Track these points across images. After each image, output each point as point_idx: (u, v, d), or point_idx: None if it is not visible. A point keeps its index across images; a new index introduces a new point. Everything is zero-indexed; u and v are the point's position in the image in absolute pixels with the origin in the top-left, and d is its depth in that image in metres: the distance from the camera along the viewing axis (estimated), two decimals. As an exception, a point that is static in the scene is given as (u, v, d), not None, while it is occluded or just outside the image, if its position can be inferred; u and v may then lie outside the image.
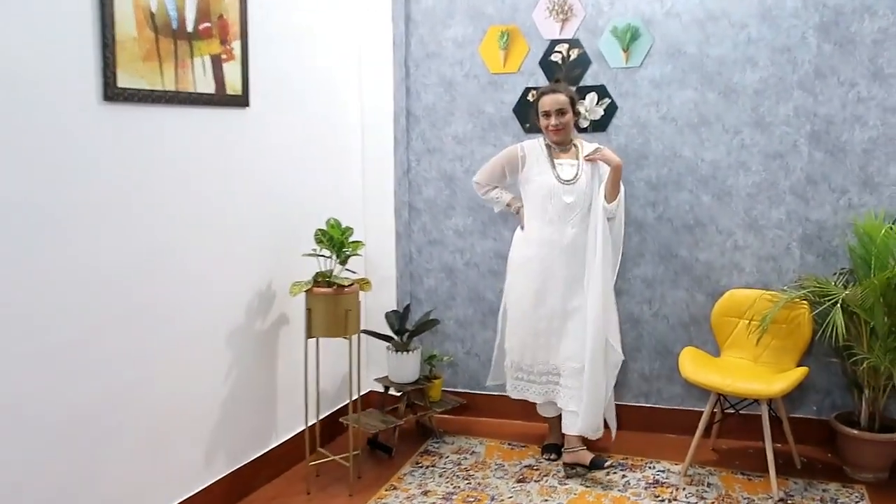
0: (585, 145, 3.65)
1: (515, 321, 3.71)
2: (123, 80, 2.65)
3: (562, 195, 3.55)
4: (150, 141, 2.80)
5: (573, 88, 3.70)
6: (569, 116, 3.56)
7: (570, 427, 3.61)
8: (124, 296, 2.72)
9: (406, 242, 4.34)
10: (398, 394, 4.03)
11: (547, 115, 3.55)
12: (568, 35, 3.99)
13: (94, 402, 2.62)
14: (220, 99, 3.12)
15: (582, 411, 3.56)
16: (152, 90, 2.77)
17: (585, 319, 3.58)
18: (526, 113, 4.05)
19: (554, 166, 3.59)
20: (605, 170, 3.58)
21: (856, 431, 3.47)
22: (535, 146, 3.67)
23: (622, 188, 3.62)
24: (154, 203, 2.84)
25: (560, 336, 3.64)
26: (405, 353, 3.91)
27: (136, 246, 2.76)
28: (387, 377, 4.04)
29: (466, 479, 3.53)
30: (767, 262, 3.85)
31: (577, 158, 3.62)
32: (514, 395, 3.81)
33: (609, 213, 3.57)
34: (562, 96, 3.54)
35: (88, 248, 2.57)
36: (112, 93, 2.61)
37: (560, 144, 3.61)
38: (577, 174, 3.58)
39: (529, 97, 4.04)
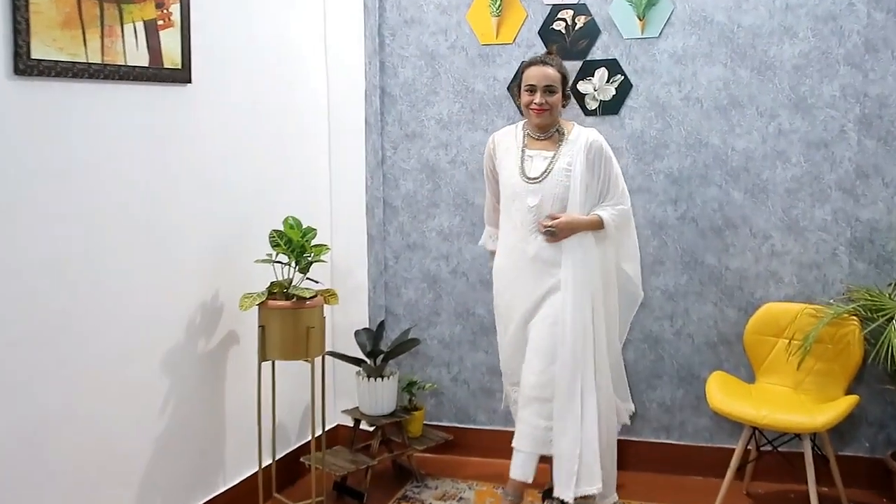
0: (575, 132, 3.46)
1: (499, 336, 3.71)
2: (38, 51, 2.62)
3: (525, 196, 3.40)
4: (69, 122, 2.77)
5: (566, 66, 3.52)
6: (558, 97, 3.38)
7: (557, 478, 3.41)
8: (36, 306, 2.68)
9: (380, 247, 4.32)
10: (371, 428, 4.01)
11: (532, 90, 3.37)
12: None
13: (10, 434, 2.58)
14: (156, 73, 3.10)
15: (560, 456, 3.38)
16: (73, 62, 2.75)
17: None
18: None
19: (522, 159, 3.46)
20: (604, 171, 3.43)
21: (915, 472, 3.48)
22: (507, 134, 3.57)
23: (616, 219, 3.45)
24: (74, 195, 2.80)
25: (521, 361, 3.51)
26: (379, 379, 3.89)
27: (51, 246, 2.72)
28: (357, 408, 4.02)
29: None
30: (810, 270, 3.86)
31: (557, 149, 3.42)
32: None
33: (603, 236, 3.47)
34: (552, 70, 3.37)
35: (-5, 251, 2.55)
36: (24, 66, 2.58)
37: (541, 130, 3.44)
38: (547, 169, 3.39)
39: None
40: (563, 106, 3.46)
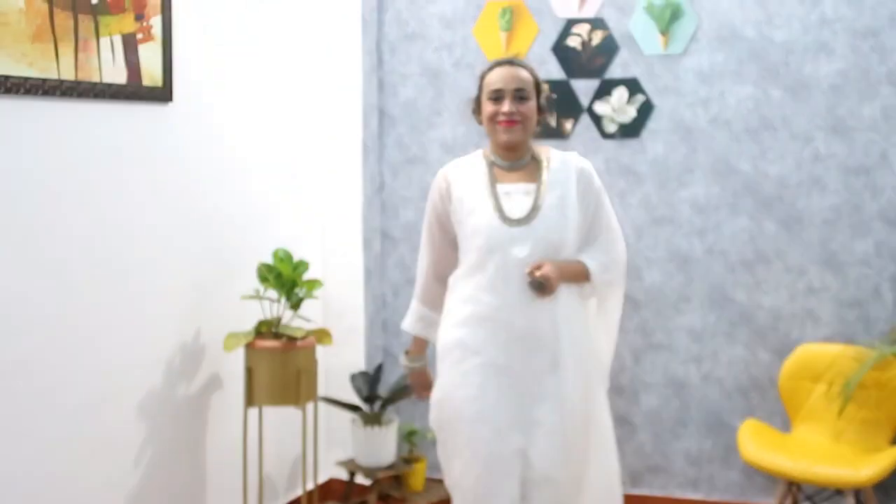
0: (557, 157, 2.84)
1: (456, 446, 2.75)
2: (6, 66, 2.59)
3: (508, 246, 2.67)
4: (40, 144, 2.73)
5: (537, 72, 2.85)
6: (531, 106, 2.74)
7: None
8: (1, 346, 2.63)
9: (378, 282, 4.27)
10: (368, 482, 3.94)
11: (497, 96, 2.71)
12: (589, 13, 3.98)
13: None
14: (134, 91, 3.07)
15: None
16: (44, 79, 2.72)
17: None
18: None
19: (495, 195, 2.75)
20: (594, 206, 2.83)
21: (971, 532, 3.40)
22: (465, 167, 2.85)
23: (619, 257, 2.87)
24: (44, 223, 2.76)
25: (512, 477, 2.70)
26: (377, 427, 3.83)
27: (18, 279, 2.68)
28: (352, 460, 3.96)
29: None
30: (851, 308, 3.80)
31: (539, 180, 2.76)
32: None
33: (588, 291, 2.85)
34: (524, 72, 2.75)
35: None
36: (-12, 81, 2.56)
37: (512, 153, 2.78)
38: (534, 206, 2.72)
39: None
40: (538, 124, 2.81)
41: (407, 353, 3.01)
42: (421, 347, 2.99)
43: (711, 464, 3.98)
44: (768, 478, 3.81)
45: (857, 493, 3.39)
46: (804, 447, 3.52)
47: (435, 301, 2.89)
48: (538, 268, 2.62)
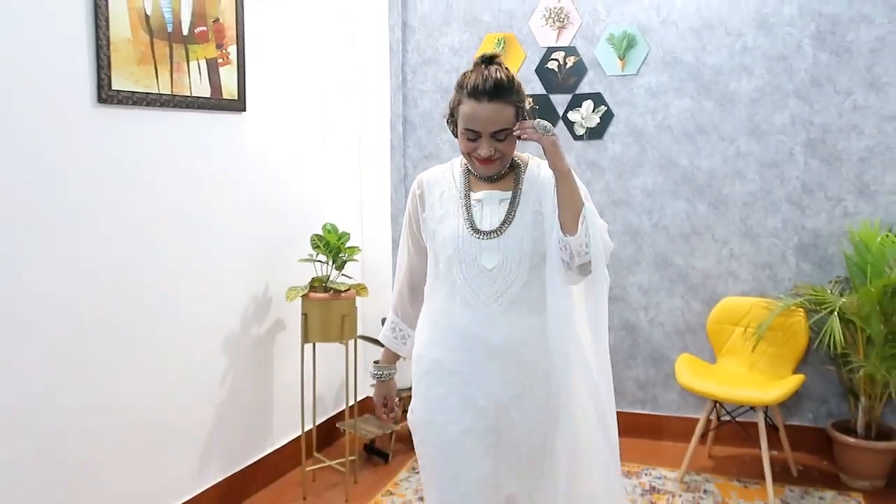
0: (534, 163, 2.01)
1: (434, 488, 2.03)
2: (118, 83, 2.56)
3: (475, 257, 1.92)
4: (144, 144, 2.71)
5: (518, 81, 1.89)
6: (510, 142, 1.89)
7: None
8: (117, 300, 2.62)
9: (403, 248, 4.24)
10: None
11: (472, 137, 1.87)
12: (564, 43, 3.91)
13: (84, 408, 2.52)
14: (217, 103, 3.03)
15: None
16: (147, 93, 2.68)
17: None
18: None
19: (468, 205, 1.97)
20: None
21: (853, 440, 3.37)
22: (441, 173, 2.06)
23: (594, 219, 1.87)
24: (148, 206, 2.74)
25: None
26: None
27: (128, 249, 2.66)
28: (383, 383, 3.93)
29: None
30: (763, 270, 3.76)
31: (517, 187, 1.96)
32: None
33: (571, 257, 1.86)
34: (502, 105, 1.83)
35: (80, 250, 2.48)
36: (106, 95, 2.52)
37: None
38: (507, 217, 1.94)
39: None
40: (531, 126, 1.85)
41: (376, 362, 2.28)
42: (391, 357, 2.24)
43: (655, 387, 3.96)
44: (698, 398, 3.79)
45: (766, 409, 3.37)
46: (726, 375, 3.50)
47: (407, 312, 2.19)
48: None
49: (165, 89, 2.77)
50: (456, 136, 1.95)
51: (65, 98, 2.41)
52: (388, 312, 2.25)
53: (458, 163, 2.06)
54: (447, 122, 1.99)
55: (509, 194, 1.97)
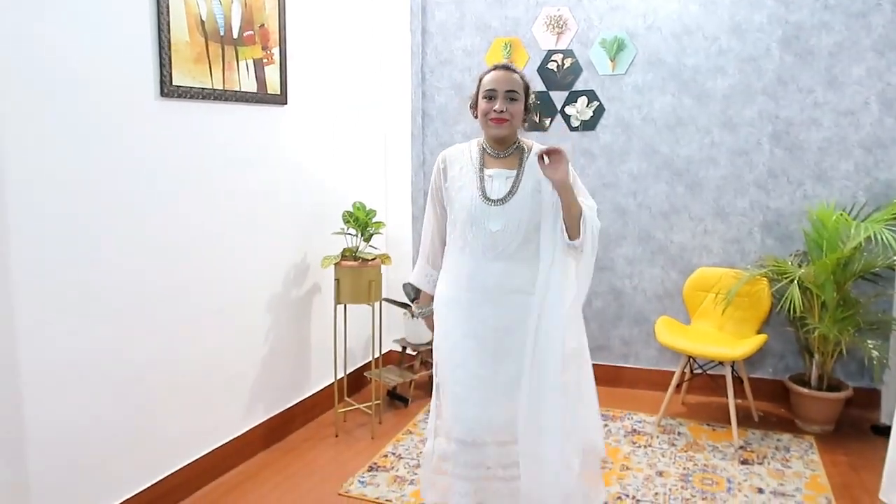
0: (537, 148, 2.18)
1: (444, 383, 2.24)
2: (178, 79, 2.55)
3: (484, 220, 2.13)
4: (201, 132, 2.70)
5: (525, 74, 2.23)
6: (519, 107, 2.14)
7: None
8: (178, 268, 2.63)
9: (420, 224, 4.19)
10: (414, 353, 3.94)
11: (491, 96, 2.12)
12: (563, 46, 3.85)
13: (152, 360, 2.54)
14: (262, 97, 3.01)
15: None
16: (202, 88, 2.67)
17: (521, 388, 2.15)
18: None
19: (482, 178, 2.17)
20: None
21: (807, 390, 3.36)
22: (460, 151, 2.26)
23: (592, 218, 2.12)
24: (205, 186, 2.74)
25: (487, 404, 2.18)
26: (419, 318, 3.81)
27: (187, 225, 2.67)
28: (404, 339, 3.96)
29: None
30: (732, 244, 3.72)
31: (520, 167, 2.17)
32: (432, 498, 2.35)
33: (576, 252, 2.13)
34: (516, 76, 2.15)
35: (146, 225, 2.48)
36: (168, 90, 2.51)
37: (500, 144, 2.18)
38: (511, 190, 2.13)
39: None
40: (524, 122, 2.20)
41: (415, 302, 2.51)
42: (427, 298, 2.40)
43: (637, 344, 3.96)
44: (674, 354, 3.79)
45: (733, 364, 3.36)
46: (699, 334, 3.48)
47: (436, 261, 2.35)
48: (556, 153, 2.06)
49: (218, 85, 2.75)
50: (476, 118, 2.20)
51: (133, 92, 2.40)
52: (420, 262, 2.41)
53: (475, 143, 2.25)
54: (470, 106, 2.25)
55: (514, 172, 2.17)
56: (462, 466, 2.17)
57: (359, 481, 2.87)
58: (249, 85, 2.93)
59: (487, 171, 2.17)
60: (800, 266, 3.36)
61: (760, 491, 2.80)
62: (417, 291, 2.50)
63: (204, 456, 2.81)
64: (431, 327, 2.39)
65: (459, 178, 2.20)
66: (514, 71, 2.16)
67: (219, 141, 2.79)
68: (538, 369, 2.13)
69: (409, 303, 3.85)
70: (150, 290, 2.51)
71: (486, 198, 2.14)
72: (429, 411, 2.42)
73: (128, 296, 2.42)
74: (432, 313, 2.35)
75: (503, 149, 2.19)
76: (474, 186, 2.16)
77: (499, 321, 2.16)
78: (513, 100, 2.12)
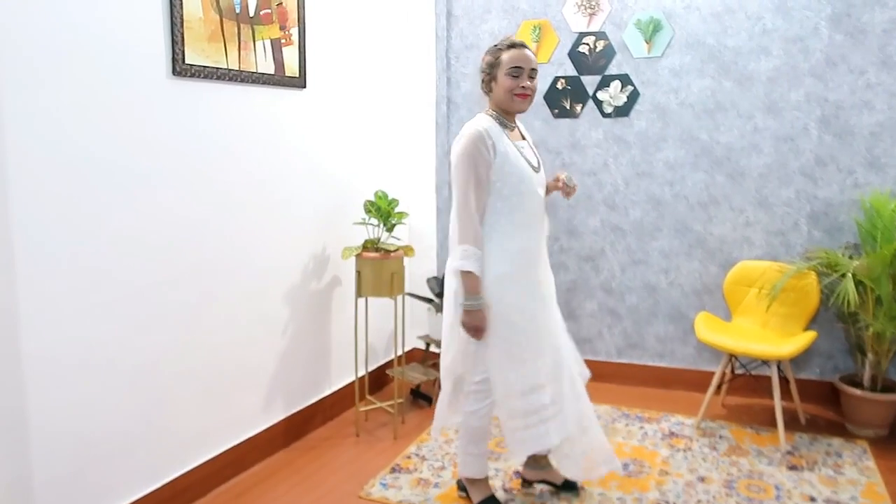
0: (520, 124, 2.45)
1: (527, 356, 2.31)
2: (190, 58, 2.43)
3: (536, 187, 2.32)
4: (215, 113, 2.58)
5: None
6: (537, 83, 2.31)
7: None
8: (191, 256, 2.51)
9: (445, 216, 4.05)
10: (438, 350, 3.79)
11: (516, 73, 2.23)
12: (595, 28, 3.67)
13: (164, 350, 2.43)
14: (280, 80, 2.89)
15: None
16: (217, 68, 2.55)
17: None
18: (556, 98, 3.75)
19: (519, 149, 2.32)
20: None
21: (859, 392, 3.14)
22: (489, 126, 2.26)
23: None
24: (220, 170, 2.62)
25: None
26: (443, 313, 3.66)
27: (202, 210, 2.55)
28: (427, 335, 3.80)
29: (496, 424, 3.28)
30: (776, 236, 3.51)
31: (525, 139, 2.41)
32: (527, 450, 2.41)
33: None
34: (534, 55, 2.29)
35: (158, 208, 2.37)
36: (180, 68, 2.39)
37: (512, 117, 2.34)
38: (537, 157, 2.41)
39: (558, 85, 3.74)
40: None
41: (470, 292, 2.23)
42: (478, 286, 2.24)
43: (674, 342, 3.76)
44: (712, 353, 3.60)
45: (778, 364, 3.15)
46: (741, 331, 3.28)
47: (480, 241, 2.26)
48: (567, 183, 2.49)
49: (234, 65, 2.63)
50: (487, 91, 2.31)
51: (144, 70, 2.28)
52: (471, 251, 2.24)
53: (489, 119, 2.29)
54: (484, 80, 2.31)
55: (526, 142, 2.38)
56: (551, 406, 2.33)
57: (380, 483, 2.73)
58: (266, 66, 2.81)
59: (517, 144, 2.32)
60: (851, 258, 3.15)
61: (812, 500, 2.59)
62: (442, 285, 2.50)
63: (220, 454, 2.69)
64: (483, 322, 2.25)
65: (507, 151, 2.25)
66: (531, 51, 2.31)
67: (233, 124, 2.67)
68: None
69: (434, 297, 3.70)
70: (159, 277, 2.39)
71: (532, 166, 2.31)
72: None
73: (136, 282, 2.30)
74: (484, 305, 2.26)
75: (513, 121, 2.35)
76: (520, 157, 2.29)
77: (546, 277, 2.40)
78: (533, 78, 2.28)
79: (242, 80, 2.68)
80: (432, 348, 3.82)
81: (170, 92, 2.38)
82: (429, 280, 3.79)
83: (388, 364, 3.81)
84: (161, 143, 2.36)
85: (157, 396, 2.41)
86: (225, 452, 2.73)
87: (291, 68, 2.94)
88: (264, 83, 2.80)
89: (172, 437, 2.48)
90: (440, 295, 3.69)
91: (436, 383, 3.63)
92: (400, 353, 3.43)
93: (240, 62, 2.66)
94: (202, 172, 2.53)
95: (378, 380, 3.74)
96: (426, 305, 3.76)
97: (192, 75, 2.44)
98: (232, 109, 2.65)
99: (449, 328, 2.38)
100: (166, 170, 2.38)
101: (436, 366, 3.71)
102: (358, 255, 3.11)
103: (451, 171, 2.30)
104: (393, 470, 2.85)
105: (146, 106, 2.30)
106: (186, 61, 2.41)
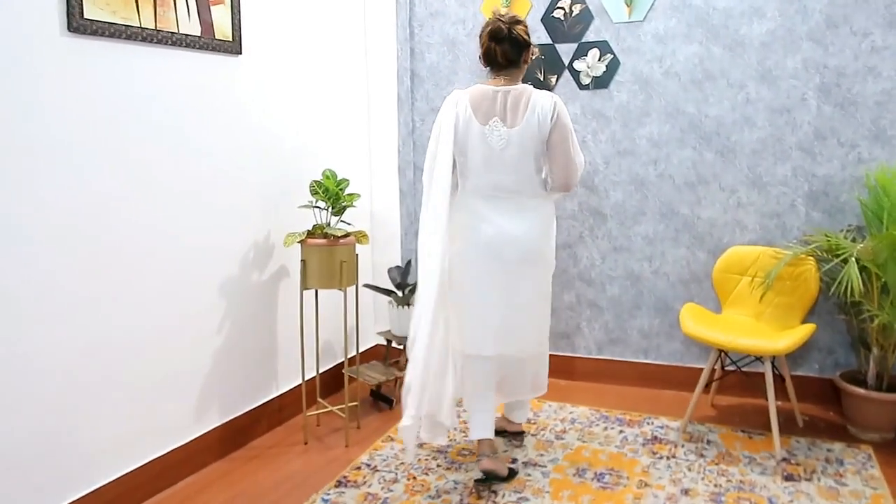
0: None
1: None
2: (91, 11, 2.11)
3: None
4: (123, 78, 2.25)
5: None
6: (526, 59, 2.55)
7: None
8: (100, 239, 2.19)
9: (410, 201, 3.74)
10: (400, 347, 3.48)
11: None
12: (571, -9, 3.36)
13: (80, 350, 2.11)
14: (208, 43, 2.56)
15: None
16: (126, 25, 2.22)
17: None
18: (529, 69, 3.40)
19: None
20: None
21: (863, 391, 2.84)
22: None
23: None
24: (134, 144, 2.30)
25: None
26: (406, 307, 3.35)
27: (113, 187, 2.23)
28: (389, 331, 3.49)
29: (464, 431, 2.98)
30: (771, 218, 3.21)
31: None
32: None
33: None
34: (514, 36, 2.48)
35: (59, 186, 2.05)
36: (77, 24, 2.07)
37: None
38: None
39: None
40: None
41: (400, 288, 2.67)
42: None
43: (658, 337, 3.45)
44: (701, 348, 3.30)
45: (773, 359, 2.86)
46: (732, 324, 2.97)
47: None
48: None
49: (148, 24, 2.31)
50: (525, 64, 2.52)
51: (32, 25, 1.96)
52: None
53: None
54: (480, 57, 2.52)
55: None
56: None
57: (322, 499, 2.43)
58: (191, 28, 2.48)
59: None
60: (854, 242, 2.85)
61: (811, 515, 2.30)
62: (404, 276, 2.72)
63: (141, 466, 2.39)
64: None
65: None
66: (512, 32, 2.41)
67: (149, 91, 2.35)
68: None
69: (395, 289, 3.40)
70: (66, 267, 2.07)
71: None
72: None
73: (40, 268, 1.99)
74: None
75: None
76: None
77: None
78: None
79: (160, 42, 2.35)
80: (394, 344, 3.51)
81: (65, 51, 2.06)
82: (390, 270, 3.48)
83: (350, 362, 3.51)
84: (55, 112, 2.04)
85: (62, 403, 2.10)
86: (148, 464, 2.42)
87: (223, 31, 2.62)
88: (188, 46, 2.47)
89: (80, 448, 2.17)
90: (401, 286, 3.38)
91: (397, 383, 3.33)
92: (353, 351, 3.12)
93: (156, 20, 2.33)
94: (108, 144, 2.21)
95: (336, 380, 3.43)
96: (388, 298, 3.45)
97: (93, 32, 2.12)
98: (147, 74, 2.33)
99: (537, 297, 2.60)
100: (60, 141, 2.06)
101: (397, 364, 3.41)
102: (302, 242, 2.80)
103: (559, 130, 2.44)
104: (339, 483, 2.54)
105: (35, 67, 1.98)
106: (85, 15, 2.09)
